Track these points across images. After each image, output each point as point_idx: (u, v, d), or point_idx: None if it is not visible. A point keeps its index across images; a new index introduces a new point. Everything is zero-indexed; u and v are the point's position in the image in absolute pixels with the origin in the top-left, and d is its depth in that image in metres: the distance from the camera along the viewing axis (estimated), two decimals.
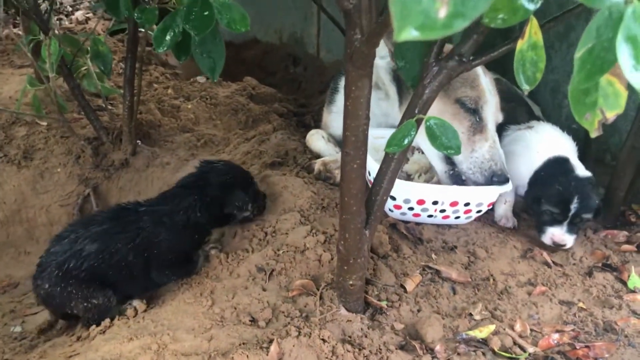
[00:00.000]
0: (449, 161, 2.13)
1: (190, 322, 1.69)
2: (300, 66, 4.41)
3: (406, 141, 1.40)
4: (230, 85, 3.44)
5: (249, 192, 1.99)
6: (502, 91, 2.63)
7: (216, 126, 2.99)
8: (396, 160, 1.50)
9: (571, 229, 2.06)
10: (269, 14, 4.73)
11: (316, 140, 2.60)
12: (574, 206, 2.01)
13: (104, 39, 2.79)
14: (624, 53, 0.82)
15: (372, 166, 1.94)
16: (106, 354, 1.58)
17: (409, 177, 2.30)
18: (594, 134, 1.05)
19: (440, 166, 2.15)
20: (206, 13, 1.88)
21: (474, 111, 2.07)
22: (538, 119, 2.51)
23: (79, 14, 4.93)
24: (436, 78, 1.40)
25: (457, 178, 2.11)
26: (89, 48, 2.55)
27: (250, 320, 1.68)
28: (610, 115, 1.03)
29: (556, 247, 2.10)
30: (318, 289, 1.74)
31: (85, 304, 1.76)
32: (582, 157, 2.45)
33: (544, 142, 2.21)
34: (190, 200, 1.91)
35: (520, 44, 1.17)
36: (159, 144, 2.79)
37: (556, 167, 2.12)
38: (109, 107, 2.94)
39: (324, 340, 1.53)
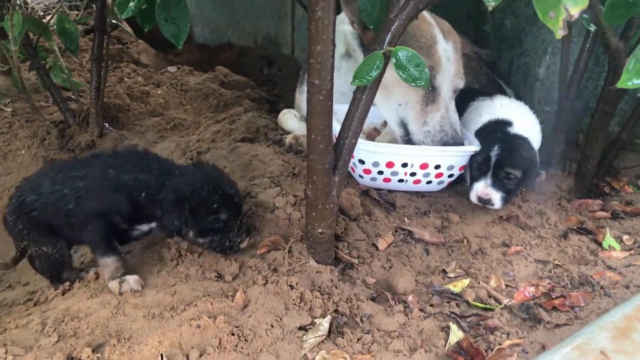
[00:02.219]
0: (405, 127, 2.12)
1: (153, 280, 1.62)
2: (275, 67, 4.39)
3: (374, 74, 1.37)
4: (202, 74, 3.40)
5: (206, 219, 1.57)
6: (473, 69, 2.65)
7: (186, 111, 2.94)
8: (364, 100, 1.46)
9: (496, 184, 1.99)
10: (243, 18, 4.72)
11: (288, 119, 2.56)
12: (494, 154, 1.96)
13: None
14: None
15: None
16: (64, 310, 1.51)
17: None
18: (559, 34, 1.03)
19: (397, 130, 2.14)
20: None
21: None
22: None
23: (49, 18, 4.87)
24: (403, 10, 1.37)
25: (411, 144, 2.10)
26: (55, 26, 2.51)
27: (216, 276, 1.62)
28: (575, 12, 1.01)
29: (484, 205, 2.04)
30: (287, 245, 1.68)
31: (35, 248, 1.67)
32: (555, 136, 2.45)
33: (492, 108, 2.20)
34: (147, 179, 1.60)
35: None
36: (127, 127, 2.73)
37: (492, 126, 2.10)
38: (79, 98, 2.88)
39: (291, 287, 1.47)
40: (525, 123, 2.15)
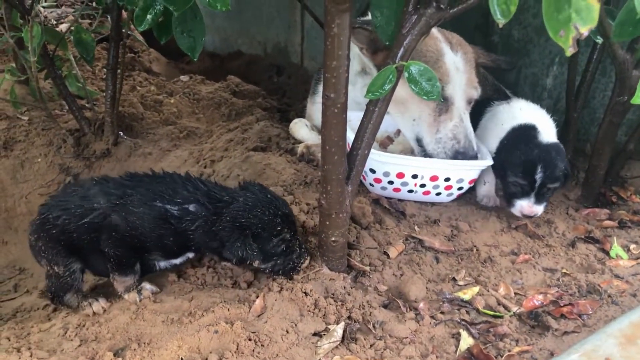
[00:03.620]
0: (421, 143, 2.15)
1: (170, 286, 1.67)
2: (284, 75, 4.45)
3: (387, 87, 1.41)
4: (214, 83, 3.46)
5: (270, 243, 1.55)
6: (479, 81, 2.68)
7: (199, 119, 3.00)
8: (377, 112, 1.51)
9: (539, 199, 2.02)
10: (254, 27, 4.78)
11: (300, 128, 2.61)
12: (538, 176, 1.97)
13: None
14: None
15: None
16: (84, 316, 1.56)
17: None
18: (569, 52, 1.07)
19: (415, 147, 2.18)
20: None
21: None
22: None
23: (63, 27, 4.95)
24: (415, 26, 1.42)
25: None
26: (71, 37, 2.56)
27: (232, 283, 1.66)
28: (584, 30, 1.05)
29: (526, 218, 2.08)
30: None
31: (48, 268, 1.62)
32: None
33: (511, 113, 2.20)
34: (199, 210, 1.53)
35: None
36: (142, 135, 2.78)
37: (520, 135, 2.09)
38: (94, 106, 2.93)
39: (306, 294, 1.51)
40: (546, 125, 2.15)
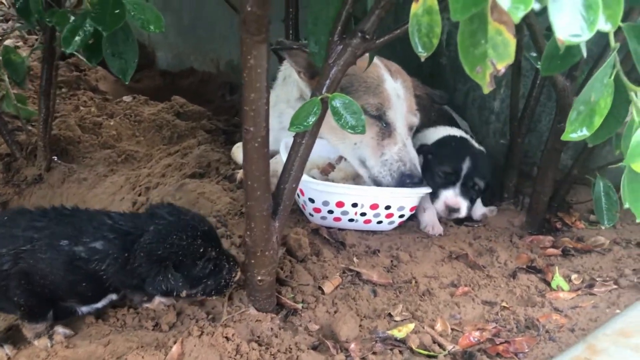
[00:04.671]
0: (365, 165, 2.12)
1: (86, 329, 1.55)
2: (237, 94, 4.37)
3: (311, 120, 1.35)
4: (158, 104, 3.35)
5: (195, 268, 1.43)
6: (424, 106, 2.65)
7: (139, 142, 2.89)
8: (305, 145, 1.44)
9: (464, 193, 2.07)
10: (206, 44, 4.69)
11: (241, 152, 2.52)
12: (465, 165, 2.05)
13: (28, 59, 2.72)
14: None
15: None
16: None
17: None
18: (487, 89, 1.01)
19: (361, 171, 2.13)
20: (117, 11, 1.77)
21: (379, 117, 2.08)
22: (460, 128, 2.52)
23: (9, 42, 4.79)
24: (341, 57, 1.36)
25: (375, 181, 2.09)
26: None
27: (153, 325, 1.56)
28: (501, 66, 0.99)
29: (450, 216, 2.14)
30: None
31: None
32: (507, 170, 2.46)
33: (437, 132, 2.31)
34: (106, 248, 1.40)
35: (415, 8, 1.11)
36: (77, 160, 2.66)
37: (449, 138, 2.21)
38: (29, 128, 2.80)
39: (227, 339, 1.42)
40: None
